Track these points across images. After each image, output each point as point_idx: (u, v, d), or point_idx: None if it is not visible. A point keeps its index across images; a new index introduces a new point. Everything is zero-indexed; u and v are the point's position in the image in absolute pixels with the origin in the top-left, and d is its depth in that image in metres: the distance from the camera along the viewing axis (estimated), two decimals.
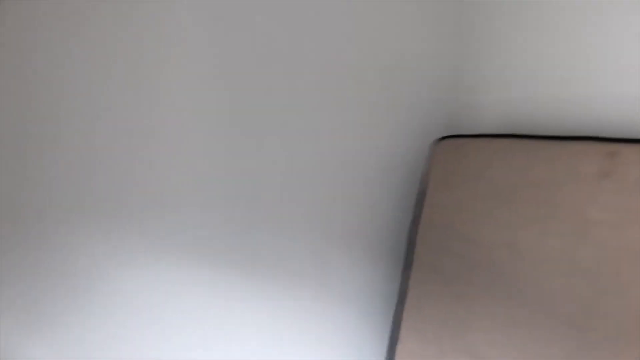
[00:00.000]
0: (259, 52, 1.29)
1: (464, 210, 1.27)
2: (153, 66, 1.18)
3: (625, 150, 1.01)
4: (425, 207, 1.38)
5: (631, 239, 0.97)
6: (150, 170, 1.20)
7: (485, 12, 1.50)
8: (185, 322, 1.26)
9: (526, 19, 1.39)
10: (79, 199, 1.14)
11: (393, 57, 1.45)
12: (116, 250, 1.18)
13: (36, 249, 1.12)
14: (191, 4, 1.20)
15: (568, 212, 1.08)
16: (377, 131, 1.45)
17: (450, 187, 1.33)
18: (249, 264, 1.32)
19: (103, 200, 1.16)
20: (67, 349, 1.15)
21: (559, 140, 1.16)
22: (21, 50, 1.08)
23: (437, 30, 1.52)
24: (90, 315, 1.16)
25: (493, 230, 1.21)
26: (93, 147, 1.14)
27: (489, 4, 1.49)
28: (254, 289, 1.32)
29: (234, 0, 1.24)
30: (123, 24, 1.15)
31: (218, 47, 1.24)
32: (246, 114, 1.29)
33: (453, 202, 1.31)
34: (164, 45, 1.19)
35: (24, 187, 1.11)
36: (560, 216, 1.09)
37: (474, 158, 1.30)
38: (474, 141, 1.34)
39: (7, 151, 1.09)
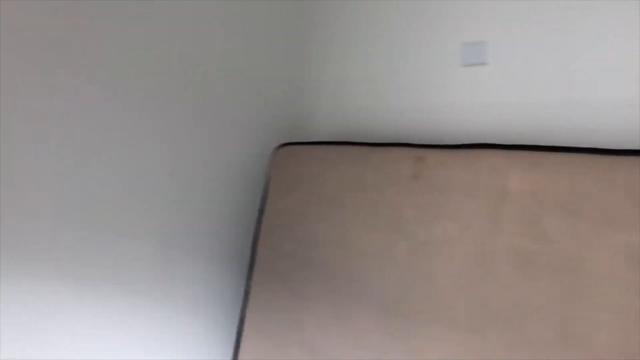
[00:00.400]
0: (93, 58, 1.28)
1: (300, 213, 1.36)
2: None
3: (431, 155, 1.15)
4: (266, 211, 1.44)
5: (436, 232, 1.11)
6: None
7: (322, 30, 1.62)
8: (24, 327, 1.21)
9: (356, 39, 1.53)
10: None
11: (237, 68, 1.51)
12: None
13: None
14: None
15: (387, 210, 1.20)
16: (221, 138, 1.49)
17: (289, 191, 1.41)
18: (87, 273, 1.29)
19: None
20: None
21: (381, 146, 1.29)
22: None
23: (278, 44, 1.60)
24: None
25: (326, 230, 1.30)
26: None
27: (327, 23, 1.61)
28: (95, 297, 1.30)
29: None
30: None
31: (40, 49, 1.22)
32: (80, 120, 1.27)
33: (291, 206, 1.39)
34: None
35: None
36: (381, 215, 1.21)
37: (309, 164, 1.40)
38: (310, 148, 1.44)
39: None
